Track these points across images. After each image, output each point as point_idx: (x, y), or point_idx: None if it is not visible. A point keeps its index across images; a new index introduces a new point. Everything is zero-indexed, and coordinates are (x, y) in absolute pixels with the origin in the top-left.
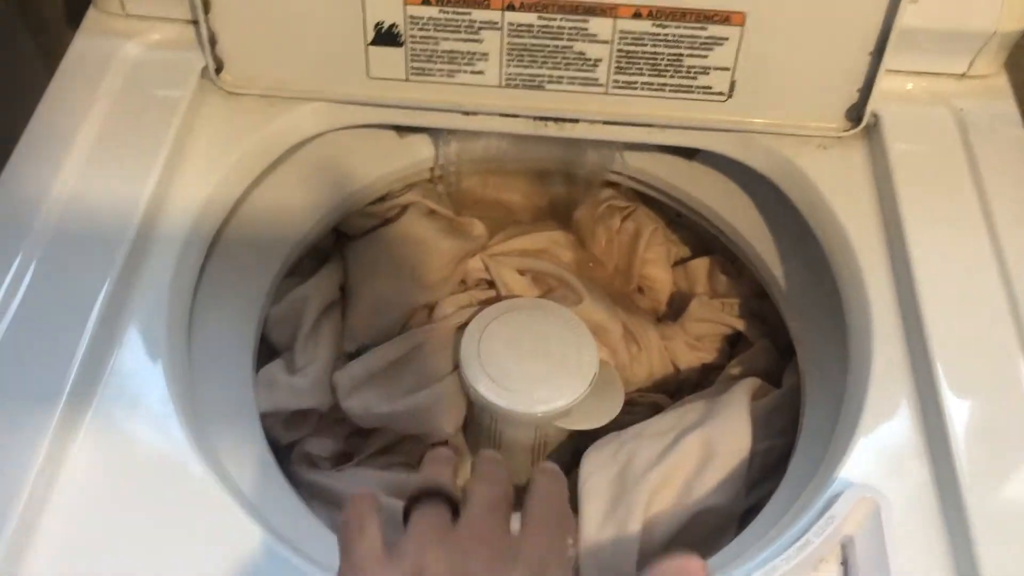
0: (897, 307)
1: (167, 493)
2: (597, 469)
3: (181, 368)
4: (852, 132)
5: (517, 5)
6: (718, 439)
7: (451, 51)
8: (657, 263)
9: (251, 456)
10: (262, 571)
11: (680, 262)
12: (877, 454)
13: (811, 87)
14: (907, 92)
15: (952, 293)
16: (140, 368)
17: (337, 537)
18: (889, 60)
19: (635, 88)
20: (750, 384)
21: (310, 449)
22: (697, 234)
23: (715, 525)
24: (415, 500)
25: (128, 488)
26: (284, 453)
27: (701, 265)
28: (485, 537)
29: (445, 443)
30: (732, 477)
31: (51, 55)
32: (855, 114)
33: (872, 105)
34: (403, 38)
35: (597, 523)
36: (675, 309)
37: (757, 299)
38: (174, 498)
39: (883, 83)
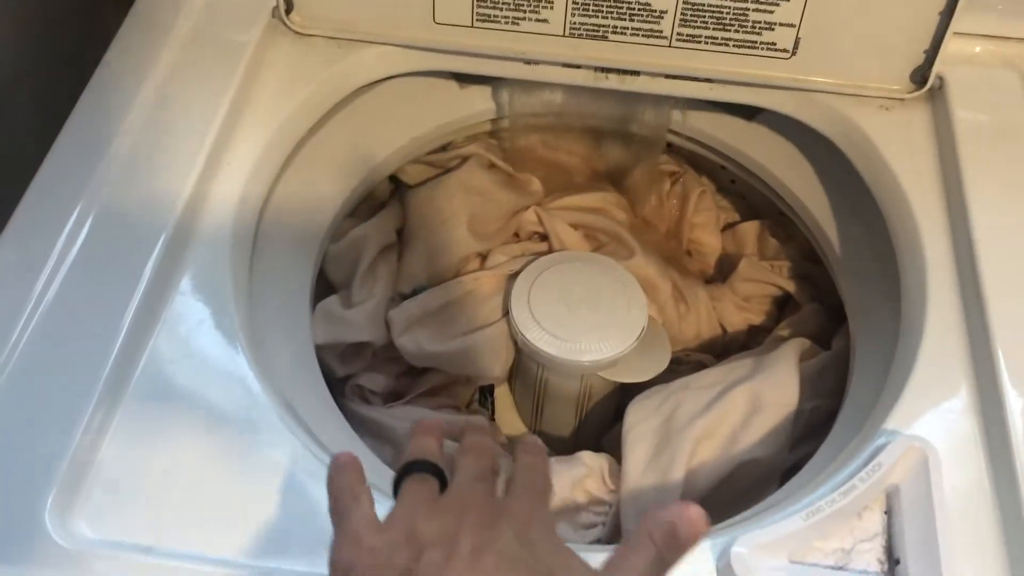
0: (955, 271)
1: (227, 411)
2: (642, 418)
3: (242, 302)
4: (916, 94)
5: None
6: (765, 392)
7: None
8: (706, 227)
9: (306, 384)
10: (311, 493)
11: (729, 226)
12: (926, 408)
13: (876, 47)
14: (975, 55)
15: (1012, 260)
16: (207, 290)
17: (329, 505)
18: (958, 21)
19: (699, 42)
20: (799, 343)
21: (363, 383)
22: (747, 199)
23: (758, 477)
24: (404, 472)
25: (189, 405)
26: (339, 387)
27: (750, 228)
28: (472, 503)
29: (491, 387)
30: (778, 430)
31: None
32: (920, 76)
33: (938, 67)
34: None
35: (640, 469)
36: (724, 273)
37: (807, 262)
38: (233, 416)
39: (950, 45)
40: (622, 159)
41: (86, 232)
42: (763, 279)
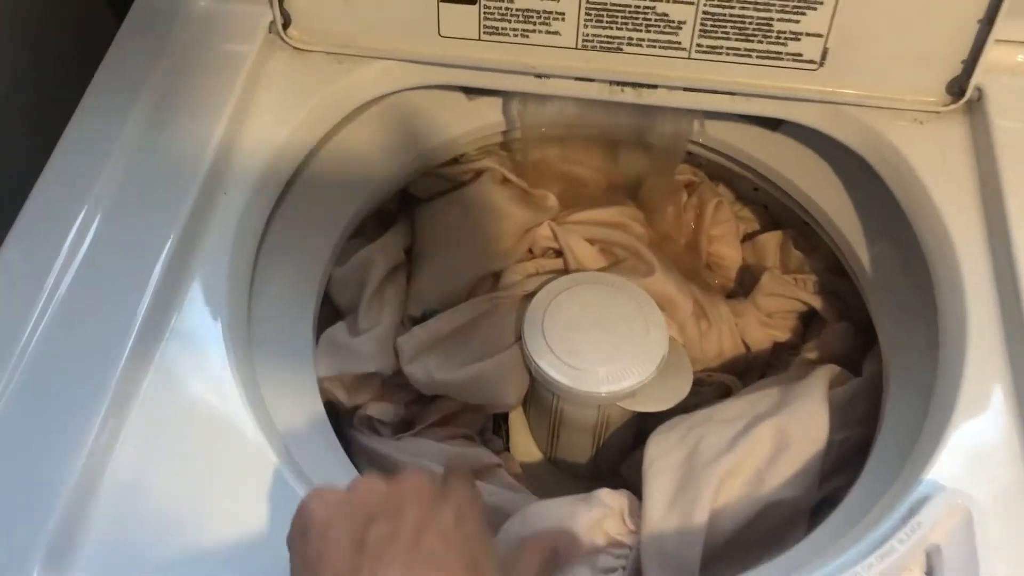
0: (996, 298)
1: (221, 456)
2: (663, 452)
3: (241, 330)
4: (953, 107)
5: None
6: (793, 428)
7: (526, 9)
8: (724, 239)
9: (307, 420)
10: None
11: (749, 236)
12: (969, 455)
13: (910, 57)
14: (1017, 64)
15: None
16: (200, 329)
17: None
18: (999, 29)
19: (720, 53)
20: (828, 371)
21: (371, 413)
22: (769, 209)
23: (785, 518)
24: None
25: (183, 451)
26: (346, 417)
27: (771, 240)
28: (412, 489)
29: (506, 415)
30: (806, 469)
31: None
32: (957, 87)
33: (977, 78)
34: None
35: (661, 509)
36: (745, 286)
37: (832, 275)
38: (227, 461)
39: (990, 54)
40: (639, 170)
41: (78, 262)
42: (787, 294)
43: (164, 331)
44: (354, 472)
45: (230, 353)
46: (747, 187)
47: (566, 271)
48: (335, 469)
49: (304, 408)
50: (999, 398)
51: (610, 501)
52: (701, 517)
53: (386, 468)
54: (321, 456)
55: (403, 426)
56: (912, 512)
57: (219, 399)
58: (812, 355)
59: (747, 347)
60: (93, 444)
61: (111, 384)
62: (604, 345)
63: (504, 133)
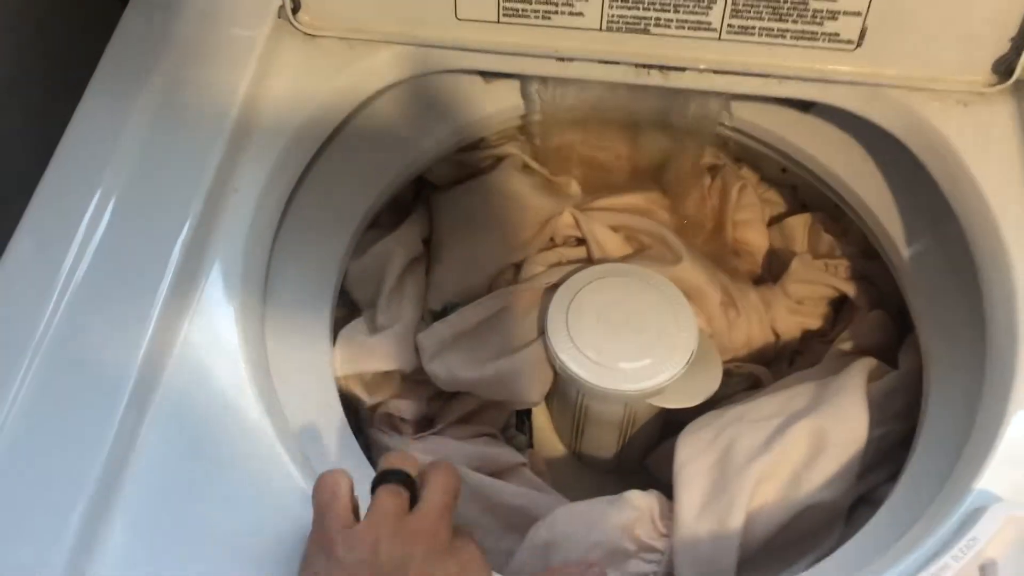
0: None
1: (238, 464)
2: (695, 454)
3: (256, 329)
4: (1000, 87)
5: None
6: (831, 429)
7: None
8: (750, 224)
9: (325, 422)
10: None
11: (777, 219)
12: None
13: (954, 35)
14: None
15: None
16: (216, 328)
17: (312, 493)
18: None
19: (752, 34)
20: (866, 366)
21: (392, 411)
22: (797, 188)
23: (822, 521)
24: (380, 480)
25: (199, 464)
26: (366, 414)
27: (799, 223)
28: (429, 533)
29: (529, 411)
30: (844, 471)
31: None
32: (1005, 67)
33: None
34: None
35: (694, 513)
36: (773, 271)
37: (865, 260)
38: (245, 471)
39: None
40: (663, 152)
41: (87, 263)
42: (818, 280)
43: (179, 334)
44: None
45: (247, 357)
46: (774, 168)
47: (590, 260)
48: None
49: (322, 409)
50: None
51: (640, 503)
52: (736, 522)
53: None
54: (341, 462)
55: (424, 422)
56: (965, 525)
57: (236, 405)
58: (846, 346)
59: (776, 335)
60: (112, 445)
61: (128, 385)
62: (631, 341)
63: (523, 116)
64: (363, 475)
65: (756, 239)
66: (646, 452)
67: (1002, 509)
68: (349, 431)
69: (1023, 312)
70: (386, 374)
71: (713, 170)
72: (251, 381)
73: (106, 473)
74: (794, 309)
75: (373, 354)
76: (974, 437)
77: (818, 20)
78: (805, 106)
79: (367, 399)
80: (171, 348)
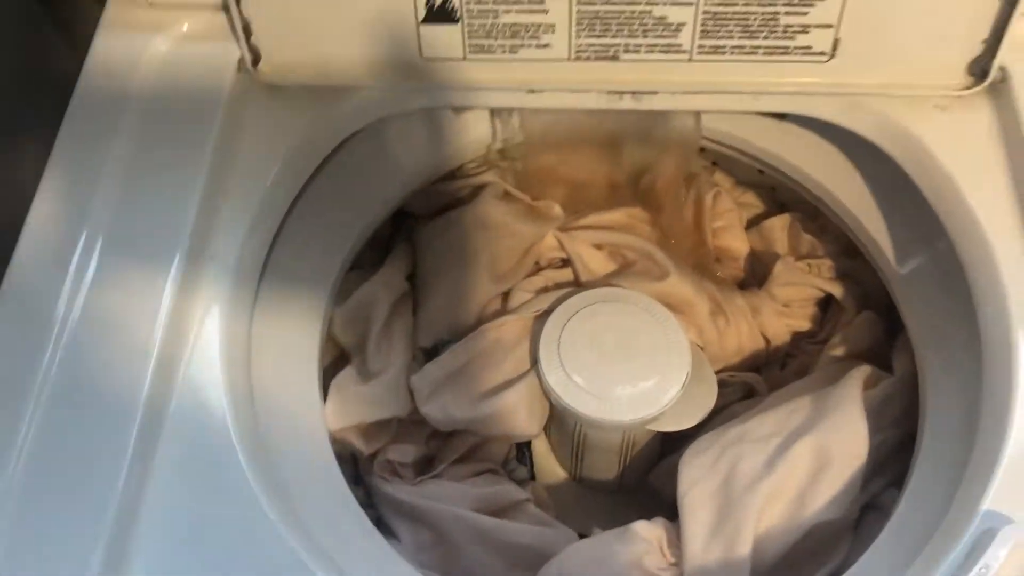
0: None
1: (240, 554)
2: (698, 479)
3: (243, 388)
4: (975, 90)
5: None
6: (833, 445)
7: (513, 24)
8: (729, 230)
9: (323, 490)
10: None
11: (755, 221)
12: None
13: (927, 39)
14: None
15: None
16: (202, 408)
17: None
18: None
19: (723, 53)
20: (861, 375)
21: (391, 457)
22: (775, 189)
23: (830, 538)
24: None
25: (200, 546)
26: (365, 463)
27: (778, 224)
28: None
29: (528, 443)
30: (848, 487)
31: (73, 30)
32: (979, 68)
33: (1000, 58)
34: (459, 13)
35: (703, 541)
36: (756, 275)
37: (847, 258)
38: (248, 559)
39: (1014, 31)
40: (643, 166)
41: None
42: (803, 282)
43: (169, 400)
44: (376, 536)
45: (236, 432)
46: (751, 171)
47: (576, 280)
48: (360, 543)
49: (317, 469)
50: None
51: (647, 535)
52: (745, 547)
53: (411, 517)
54: (344, 531)
55: (424, 463)
56: (976, 549)
57: (230, 486)
58: (838, 351)
59: (766, 340)
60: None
61: (128, 446)
62: (625, 368)
63: (497, 144)
64: (365, 533)
65: (736, 244)
66: (647, 470)
67: (1011, 533)
68: (353, 498)
69: (1015, 318)
70: (382, 420)
71: (688, 179)
72: (244, 455)
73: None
74: (781, 312)
75: (368, 403)
76: (976, 455)
77: (789, 35)
78: (781, 114)
79: (365, 448)
80: (162, 421)
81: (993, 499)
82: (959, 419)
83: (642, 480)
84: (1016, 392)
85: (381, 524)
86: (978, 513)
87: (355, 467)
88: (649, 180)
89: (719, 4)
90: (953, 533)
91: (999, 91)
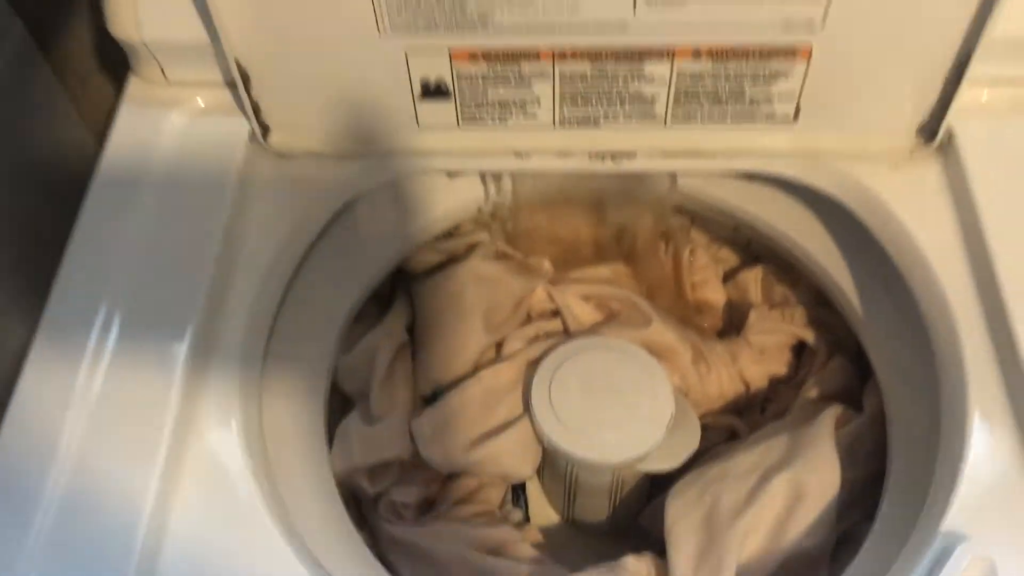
0: (988, 337)
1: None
2: (683, 513)
3: (255, 437)
4: (925, 150)
5: (568, 55)
6: (807, 480)
7: (502, 100)
8: (706, 284)
9: (330, 525)
10: None
11: (732, 273)
12: (983, 504)
13: (881, 106)
14: (983, 104)
15: None
16: (218, 453)
17: None
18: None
19: (695, 119)
20: (832, 414)
21: (395, 498)
22: (749, 242)
23: (807, 567)
24: None
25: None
26: (369, 504)
27: (751, 277)
28: None
29: (524, 485)
30: (823, 518)
31: (82, 105)
32: (928, 131)
33: (948, 121)
34: (452, 91)
35: (689, 571)
36: (734, 324)
37: (817, 306)
38: None
39: (961, 97)
40: (626, 227)
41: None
42: (777, 329)
43: (187, 448)
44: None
45: (251, 471)
46: (726, 227)
47: (565, 330)
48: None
49: (323, 508)
50: (1006, 443)
51: (635, 568)
52: None
53: (413, 556)
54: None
55: (426, 505)
56: (937, 566)
57: (247, 524)
58: (812, 393)
59: (746, 385)
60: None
61: (147, 504)
62: (613, 412)
63: (480, 209)
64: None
65: (714, 297)
66: (637, 512)
67: (967, 550)
68: (359, 539)
69: (970, 363)
70: (386, 463)
71: (666, 237)
72: (268, 514)
73: None
74: (758, 359)
75: (373, 444)
76: (936, 482)
77: (755, 103)
78: (751, 174)
79: (370, 488)
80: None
81: (951, 521)
82: (923, 452)
83: (632, 522)
84: (970, 424)
85: (385, 563)
86: (938, 534)
87: (359, 511)
88: (630, 238)
89: (690, 82)
90: (916, 552)
91: (947, 150)
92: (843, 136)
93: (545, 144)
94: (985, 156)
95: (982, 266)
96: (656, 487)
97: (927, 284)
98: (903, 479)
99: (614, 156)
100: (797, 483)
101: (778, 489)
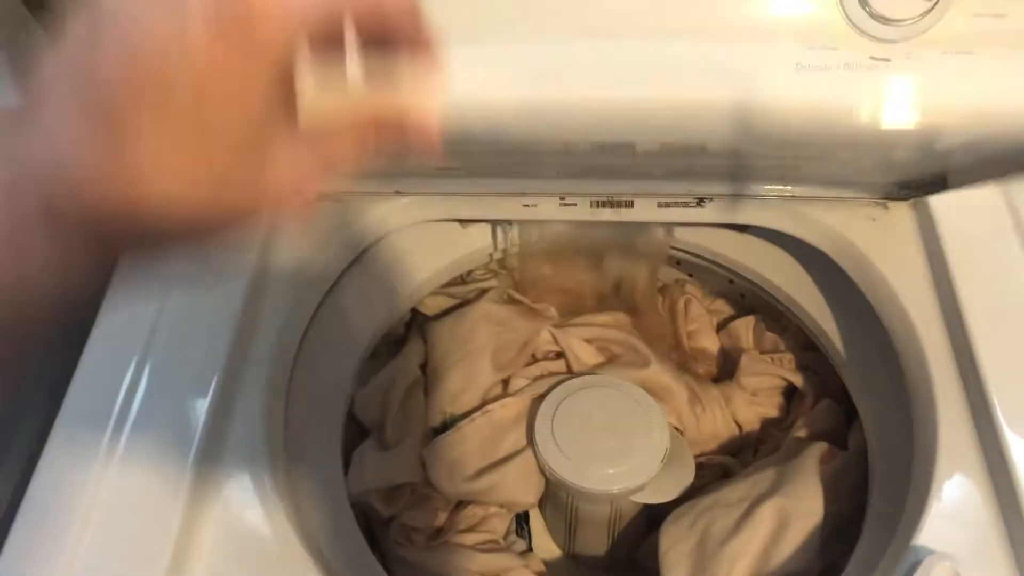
0: (958, 376)
1: None
2: (676, 541)
3: (280, 463)
4: (900, 203)
5: None
6: (792, 507)
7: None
8: (701, 332)
9: (346, 545)
10: None
11: (724, 323)
12: (951, 521)
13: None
14: None
15: (1012, 357)
16: (245, 467)
17: None
18: None
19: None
20: (818, 449)
21: (407, 521)
22: (743, 295)
23: None
24: None
25: None
26: (381, 528)
27: (743, 325)
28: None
29: (527, 517)
30: (807, 543)
31: None
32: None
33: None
34: None
35: None
36: (727, 370)
37: (805, 352)
38: None
39: None
40: (626, 277)
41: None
42: (767, 372)
43: (217, 477)
44: None
45: (279, 506)
46: (722, 281)
47: (568, 370)
48: None
49: (341, 529)
50: (971, 468)
51: None
52: None
53: None
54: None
55: (435, 533)
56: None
57: (273, 539)
58: (801, 433)
59: (739, 426)
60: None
61: (181, 504)
62: (612, 445)
63: (491, 255)
64: None
65: (708, 344)
66: (635, 547)
67: (934, 559)
68: (367, 549)
69: (939, 397)
70: (399, 487)
71: (663, 290)
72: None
73: None
74: (750, 401)
75: (387, 469)
76: (909, 503)
77: None
78: (741, 227)
79: (384, 511)
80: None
81: (922, 537)
82: (901, 485)
83: (631, 557)
84: (939, 453)
85: None
86: (910, 548)
87: (370, 536)
88: (628, 289)
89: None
90: (891, 565)
91: (918, 203)
92: (824, 188)
93: (550, 188)
94: (954, 207)
95: (949, 308)
96: (654, 524)
97: (903, 327)
98: (883, 508)
99: (614, 205)
100: (783, 510)
101: (765, 516)
